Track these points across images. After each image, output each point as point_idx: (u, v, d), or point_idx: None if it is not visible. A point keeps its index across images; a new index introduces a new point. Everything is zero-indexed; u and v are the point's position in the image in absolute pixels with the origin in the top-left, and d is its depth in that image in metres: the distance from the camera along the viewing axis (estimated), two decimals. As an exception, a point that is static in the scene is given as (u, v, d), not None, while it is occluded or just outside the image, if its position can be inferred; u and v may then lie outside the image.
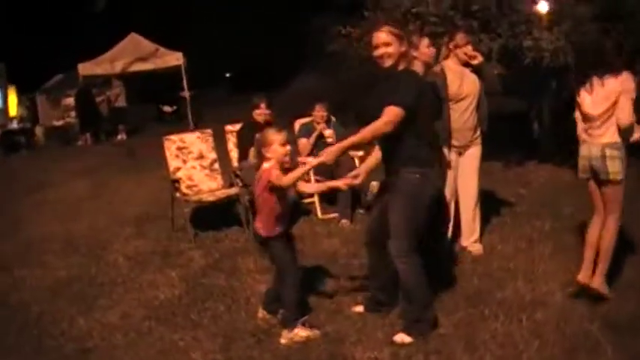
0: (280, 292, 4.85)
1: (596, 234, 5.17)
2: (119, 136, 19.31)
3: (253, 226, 4.95)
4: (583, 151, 5.17)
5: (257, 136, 4.87)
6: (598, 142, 5.01)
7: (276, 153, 4.67)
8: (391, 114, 4.33)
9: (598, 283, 5.06)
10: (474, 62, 6.12)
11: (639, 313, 4.84)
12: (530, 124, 11.68)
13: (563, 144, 10.58)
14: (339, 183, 5.05)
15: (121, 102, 20.89)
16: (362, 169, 4.97)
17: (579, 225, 6.64)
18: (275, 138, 4.68)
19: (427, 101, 4.62)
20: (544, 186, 9.30)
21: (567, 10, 8.69)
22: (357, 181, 4.88)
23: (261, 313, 5.10)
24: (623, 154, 4.98)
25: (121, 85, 21.04)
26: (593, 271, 5.10)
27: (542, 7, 8.86)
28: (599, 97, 4.95)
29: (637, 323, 4.67)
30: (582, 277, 5.09)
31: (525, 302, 5.10)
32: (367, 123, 4.45)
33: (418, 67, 5.68)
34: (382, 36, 4.58)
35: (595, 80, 4.97)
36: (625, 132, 4.93)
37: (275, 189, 4.65)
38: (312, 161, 4.63)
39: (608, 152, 4.95)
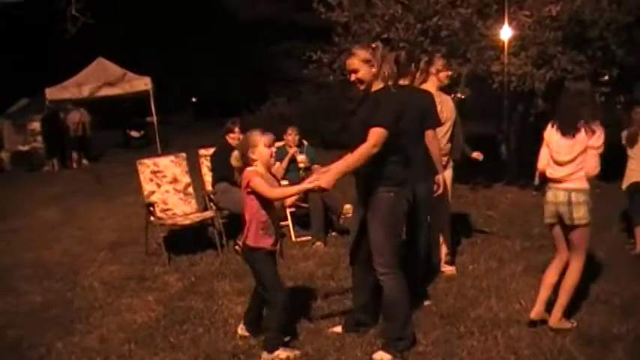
0: (266, 313, 4.87)
1: (555, 276, 5.18)
2: (83, 162, 19.03)
3: (242, 240, 4.88)
4: (549, 196, 5.18)
5: (241, 138, 4.86)
6: (564, 188, 5.04)
7: (262, 155, 4.70)
8: (376, 136, 4.42)
9: (556, 320, 5.03)
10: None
11: (609, 325, 5.01)
12: (498, 147, 11.92)
13: (528, 167, 10.84)
14: (307, 185, 4.72)
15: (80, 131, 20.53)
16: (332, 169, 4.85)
17: (548, 245, 6.80)
18: (260, 139, 4.71)
19: (406, 119, 4.72)
20: (511, 207, 9.51)
21: (534, 36, 8.91)
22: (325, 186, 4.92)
23: (241, 329, 5.14)
24: (588, 198, 5.01)
25: (83, 113, 20.66)
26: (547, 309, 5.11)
27: (506, 34, 9.08)
28: (570, 145, 4.96)
29: (608, 336, 4.85)
30: (534, 314, 5.07)
31: (499, 319, 5.24)
32: (355, 146, 4.55)
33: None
34: (350, 63, 4.67)
35: (569, 128, 4.97)
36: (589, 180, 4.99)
37: (256, 194, 4.65)
38: (308, 185, 4.66)
39: (574, 198, 4.98)
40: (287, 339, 4.86)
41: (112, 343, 5.32)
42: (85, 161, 19.07)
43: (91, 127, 20.70)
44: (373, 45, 4.68)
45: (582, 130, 4.89)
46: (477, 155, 6.63)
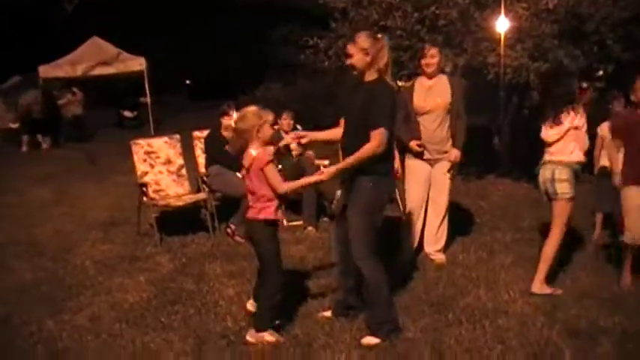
0: (261, 291, 4.89)
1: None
2: (43, 145, 18.69)
3: (245, 217, 4.88)
4: (541, 174, 5.75)
5: (246, 111, 4.76)
6: (550, 166, 5.64)
7: (267, 133, 4.70)
8: (379, 137, 4.56)
9: (536, 287, 5.61)
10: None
11: (597, 319, 5.07)
12: (491, 138, 11.96)
13: (521, 159, 10.89)
14: (310, 178, 5.03)
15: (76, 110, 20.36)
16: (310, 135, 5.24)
17: (538, 237, 6.89)
18: (268, 118, 4.72)
19: (395, 112, 4.82)
20: (503, 199, 9.55)
21: (530, 29, 8.92)
22: (303, 141, 5.22)
23: (250, 305, 5.16)
24: (571, 175, 5.56)
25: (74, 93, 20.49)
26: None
27: (502, 25, 9.09)
28: (554, 128, 5.66)
29: (594, 329, 4.90)
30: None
31: (488, 309, 5.29)
32: (348, 127, 4.79)
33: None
34: (348, 47, 4.80)
35: (556, 114, 5.66)
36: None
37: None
38: (312, 178, 4.82)
39: (556, 174, 5.55)
40: (277, 322, 4.90)
41: (103, 321, 5.36)
42: (45, 145, 18.71)
43: (85, 106, 20.63)
44: (378, 35, 4.74)
45: (566, 115, 5.59)
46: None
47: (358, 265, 4.74)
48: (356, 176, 4.71)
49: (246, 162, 4.71)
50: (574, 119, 5.58)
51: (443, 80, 6.39)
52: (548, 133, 5.70)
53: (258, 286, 5.02)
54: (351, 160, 4.64)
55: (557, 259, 5.96)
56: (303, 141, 5.19)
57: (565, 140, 5.63)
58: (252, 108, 4.76)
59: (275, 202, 4.74)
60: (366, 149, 4.57)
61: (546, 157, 5.74)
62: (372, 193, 4.70)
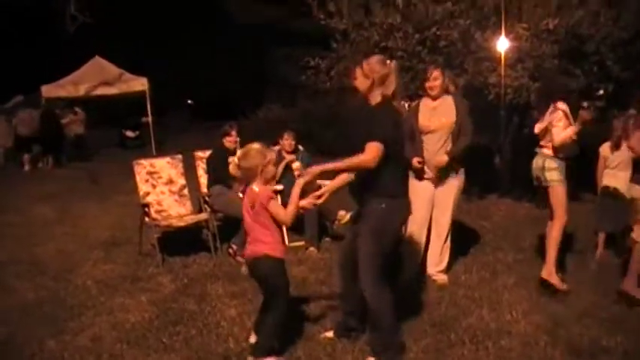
0: (263, 317, 4.86)
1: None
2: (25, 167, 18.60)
3: (251, 255, 4.79)
4: (534, 163, 6.37)
5: (251, 149, 4.73)
6: (541, 156, 6.27)
7: (271, 172, 4.71)
8: (374, 150, 4.45)
9: (546, 273, 6.21)
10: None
11: (598, 338, 5.06)
12: (492, 158, 11.98)
13: (522, 178, 10.90)
14: (304, 202, 4.91)
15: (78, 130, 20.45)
16: (326, 189, 5.02)
17: (540, 257, 6.88)
18: (272, 157, 4.74)
19: (401, 134, 4.78)
20: (504, 219, 9.55)
21: (531, 49, 8.97)
22: (320, 201, 4.99)
23: (253, 338, 5.06)
24: (559, 164, 6.15)
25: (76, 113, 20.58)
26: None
27: (503, 45, 9.14)
28: (541, 122, 6.33)
29: (596, 348, 4.90)
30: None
31: (490, 330, 5.28)
32: (348, 152, 4.62)
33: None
34: (355, 70, 4.79)
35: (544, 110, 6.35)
36: (560, 148, 6.13)
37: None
38: (301, 181, 4.63)
39: (546, 164, 6.18)
40: (275, 345, 4.86)
41: (105, 342, 5.33)
42: (47, 164, 18.79)
43: (87, 126, 20.72)
44: (388, 61, 4.73)
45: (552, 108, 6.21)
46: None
47: (363, 290, 4.67)
48: (367, 198, 4.67)
49: (249, 199, 4.70)
50: (556, 116, 6.13)
51: (448, 101, 6.40)
52: (536, 126, 6.41)
53: (261, 320, 4.96)
54: (339, 163, 4.57)
55: (560, 279, 6.09)
56: (321, 200, 4.98)
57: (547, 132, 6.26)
58: (256, 146, 4.74)
59: (280, 239, 4.76)
60: (358, 159, 4.48)
61: (538, 148, 6.34)
62: (384, 216, 4.63)
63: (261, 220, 4.66)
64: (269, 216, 4.65)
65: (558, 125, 6.10)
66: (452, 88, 6.61)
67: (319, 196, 4.96)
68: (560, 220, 6.20)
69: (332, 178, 4.99)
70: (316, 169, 4.57)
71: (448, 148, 6.33)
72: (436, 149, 6.33)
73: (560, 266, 6.89)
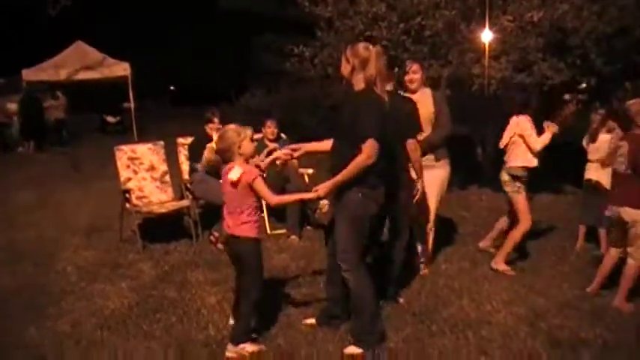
0: (239, 300, 4.87)
1: (505, 225, 7.16)
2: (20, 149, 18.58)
3: (224, 231, 4.84)
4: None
5: (226, 130, 4.76)
6: (503, 170, 6.69)
7: (248, 149, 4.70)
8: (369, 149, 4.52)
9: (496, 262, 6.64)
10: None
11: (578, 330, 5.11)
12: (474, 149, 12.02)
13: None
14: (306, 195, 5.06)
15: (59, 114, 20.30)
16: (303, 147, 5.20)
17: (521, 248, 6.93)
18: (247, 133, 4.73)
19: (385, 123, 4.76)
20: (486, 209, 9.58)
21: (516, 41, 8.99)
22: (296, 154, 5.17)
23: (232, 320, 5.10)
24: (509, 178, 6.60)
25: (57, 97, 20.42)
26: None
27: (487, 37, 9.15)
28: (505, 134, 6.70)
29: (576, 340, 4.95)
30: (482, 243, 7.26)
31: (471, 320, 5.31)
32: (333, 137, 4.79)
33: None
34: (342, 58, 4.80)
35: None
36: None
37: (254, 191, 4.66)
38: (307, 195, 4.77)
39: (500, 176, 6.72)
40: (254, 336, 4.87)
41: (85, 328, 5.31)
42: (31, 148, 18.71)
43: (67, 111, 20.56)
44: (370, 46, 4.73)
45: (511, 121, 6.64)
46: None
47: (344, 276, 4.73)
48: (345, 187, 4.68)
49: (233, 177, 4.66)
50: (516, 126, 6.54)
51: (427, 93, 6.39)
52: (501, 142, 6.80)
53: (237, 303, 4.98)
54: (344, 174, 4.59)
55: (541, 270, 6.31)
56: (297, 154, 5.16)
57: (509, 147, 6.67)
58: (231, 126, 4.76)
59: (258, 218, 4.75)
60: (358, 162, 4.53)
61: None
62: (360, 204, 4.67)
63: (243, 199, 4.67)
64: (251, 196, 4.66)
65: (531, 134, 6.48)
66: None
67: (295, 149, 5.13)
68: (524, 225, 6.59)
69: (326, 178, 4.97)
70: (327, 186, 4.63)
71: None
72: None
73: (541, 258, 6.96)
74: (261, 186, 4.64)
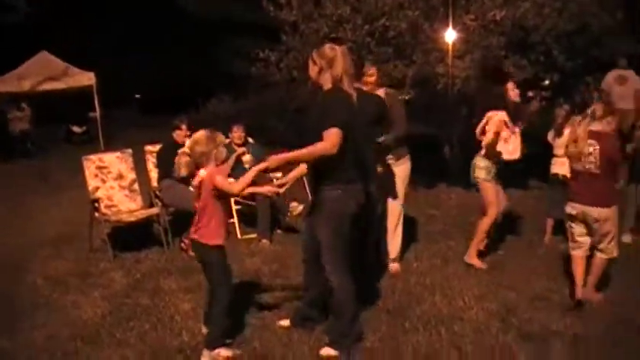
0: (212, 309, 4.85)
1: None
2: None
3: (192, 238, 4.84)
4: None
5: (198, 136, 4.75)
6: (477, 155, 6.82)
7: (222, 154, 4.71)
8: (334, 136, 4.47)
9: (468, 256, 6.76)
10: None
11: (549, 322, 5.20)
12: (441, 147, 12.11)
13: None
14: (266, 189, 5.15)
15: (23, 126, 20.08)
16: (288, 178, 5.11)
17: (490, 244, 7.02)
18: (221, 139, 4.75)
19: (354, 118, 4.79)
20: (454, 207, 9.68)
21: (479, 40, 9.09)
22: (282, 190, 5.06)
23: (204, 329, 5.08)
24: (487, 164, 6.67)
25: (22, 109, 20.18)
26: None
27: (450, 36, 9.24)
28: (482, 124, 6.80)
29: (547, 332, 5.04)
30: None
31: (443, 316, 5.37)
32: (302, 141, 4.67)
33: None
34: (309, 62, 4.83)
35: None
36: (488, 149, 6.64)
37: (221, 195, 4.66)
38: (258, 166, 4.62)
39: (475, 161, 6.78)
40: (229, 341, 4.87)
41: (58, 339, 5.27)
42: None
43: (32, 121, 20.35)
44: (329, 46, 4.76)
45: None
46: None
47: (327, 277, 4.72)
48: (321, 187, 4.70)
49: (195, 181, 4.71)
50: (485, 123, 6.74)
51: (380, 95, 6.45)
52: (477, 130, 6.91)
53: (208, 310, 5.00)
54: (301, 152, 4.57)
55: (510, 265, 6.40)
56: (282, 190, 5.08)
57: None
58: (204, 132, 4.76)
59: (224, 225, 4.75)
60: (318, 147, 4.48)
61: None
62: (339, 202, 4.67)
63: (207, 204, 4.69)
64: (215, 201, 4.66)
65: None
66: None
67: (281, 185, 5.03)
68: (490, 217, 6.74)
69: (287, 169, 4.99)
70: (277, 158, 4.56)
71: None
72: None
73: (510, 253, 7.04)
74: (222, 182, 4.63)
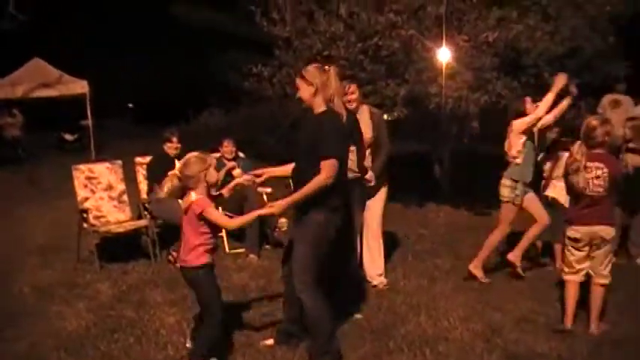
0: (201, 327, 4.83)
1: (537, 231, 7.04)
2: None
3: (180, 266, 4.79)
4: None
5: (191, 158, 4.71)
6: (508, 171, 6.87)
7: (212, 177, 4.68)
8: (328, 168, 4.54)
9: (473, 266, 6.93)
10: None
11: (534, 344, 5.20)
12: (431, 166, 12.16)
13: (461, 187, 11.09)
14: (243, 178, 5.13)
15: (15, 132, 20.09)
16: (266, 171, 5.15)
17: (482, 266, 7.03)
18: (212, 162, 4.73)
19: (345, 144, 4.84)
20: (443, 226, 9.70)
21: (471, 61, 9.14)
22: (259, 180, 5.10)
23: (189, 343, 5.06)
24: (511, 184, 6.77)
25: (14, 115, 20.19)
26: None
27: (444, 56, 9.29)
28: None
29: (532, 354, 5.05)
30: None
31: (428, 336, 5.36)
32: (293, 157, 4.80)
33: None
34: (297, 81, 4.87)
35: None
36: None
37: (207, 220, 4.63)
38: (260, 211, 4.71)
39: (502, 180, 6.84)
40: (213, 359, 4.80)
41: (42, 349, 5.24)
42: None
43: (24, 128, 20.34)
44: (326, 67, 4.79)
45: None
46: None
47: (299, 297, 4.73)
48: (307, 209, 4.70)
49: (183, 204, 4.69)
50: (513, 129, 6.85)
51: (365, 112, 6.48)
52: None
53: (196, 327, 4.99)
54: (302, 192, 4.62)
55: (497, 285, 6.49)
56: (259, 180, 5.12)
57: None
58: (195, 154, 4.73)
59: (209, 244, 4.72)
60: (317, 181, 4.55)
61: None
62: (322, 227, 4.70)
63: (192, 226, 4.66)
64: (200, 225, 4.63)
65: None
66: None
67: (258, 175, 5.07)
68: (501, 232, 6.97)
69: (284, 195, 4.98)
70: (281, 203, 4.61)
71: (369, 159, 6.42)
72: (356, 159, 6.33)
73: (497, 273, 7.06)
74: (214, 215, 4.61)
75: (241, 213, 7.84)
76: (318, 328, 4.73)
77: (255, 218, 4.80)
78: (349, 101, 6.33)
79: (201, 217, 4.58)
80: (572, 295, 5.55)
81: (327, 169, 4.55)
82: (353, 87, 6.45)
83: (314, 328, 4.74)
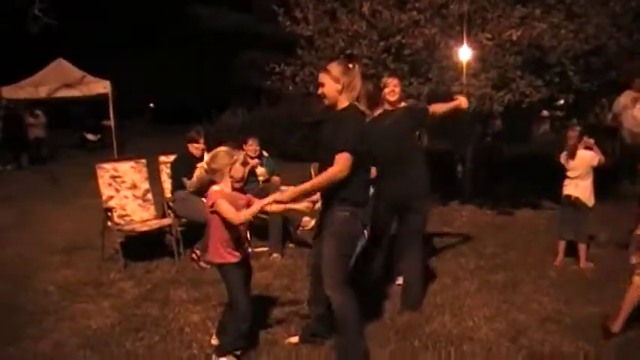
0: (227, 320, 4.89)
1: None
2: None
3: (204, 253, 4.93)
4: None
5: (217, 153, 4.79)
6: None
7: (238, 172, 4.73)
8: (342, 161, 4.49)
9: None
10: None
11: (560, 344, 5.14)
12: (454, 165, 12.10)
13: (484, 186, 11.04)
14: (301, 205, 4.91)
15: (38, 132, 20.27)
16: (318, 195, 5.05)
17: (501, 263, 7.00)
18: (239, 157, 4.77)
19: (367, 140, 4.79)
20: (466, 225, 9.64)
21: (495, 59, 9.08)
22: (317, 206, 5.01)
23: (214, 340, 5.12)
24: None
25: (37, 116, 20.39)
26: None
27: (465, 55, 9.22)
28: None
29: (558, 354, 4.98)
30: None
31: (453, 335, 5.33)
32: (320, 160, 4.74)
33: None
34: (320, 76, 4.81)
35: None
36: None
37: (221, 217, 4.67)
38: (265, 200, 4.69)
39: None
40: (238, 353, 4.84)
41: (66, 348, 5.28)
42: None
43: (47, 128, 20.51)
44: (350, 65, 4.75)
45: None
46: None
47: (328, 295, 4.71)
48: (332, 206, 4.69)
49: (207, 202, 4.78)
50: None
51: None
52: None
53: (224, 322, 5.03)
54: (312, 183, 4.64)
55: (521, 285, 6.39)
56: (317, 207, 5.05)
57: None
58: (224, 148, 4.82)
59: (231, 245, 4.77)
60: (329, 173, 4.52)
61: None
62: (348, 223, 4.67)
63: (213, 222, 4.75)
64: (216, 223, 4.71)
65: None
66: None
67: (314, 202, 4.97)
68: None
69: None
70: (291, 192, 4.63)
71: None
72: None
73: (522, 273, 7.00)
74: (222, 208, 4.64)
75: (264, 212, 7.88)
76: (345, 327, 4.70)
77: (264, 208, 4.74)
78: (390, 98, 6.23)
79: (213, 210, 4.64)
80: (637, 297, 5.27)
81: (340, 162, 4.50)
82: (395, 81, 6.35)
83: (342, 326, 4.71)
